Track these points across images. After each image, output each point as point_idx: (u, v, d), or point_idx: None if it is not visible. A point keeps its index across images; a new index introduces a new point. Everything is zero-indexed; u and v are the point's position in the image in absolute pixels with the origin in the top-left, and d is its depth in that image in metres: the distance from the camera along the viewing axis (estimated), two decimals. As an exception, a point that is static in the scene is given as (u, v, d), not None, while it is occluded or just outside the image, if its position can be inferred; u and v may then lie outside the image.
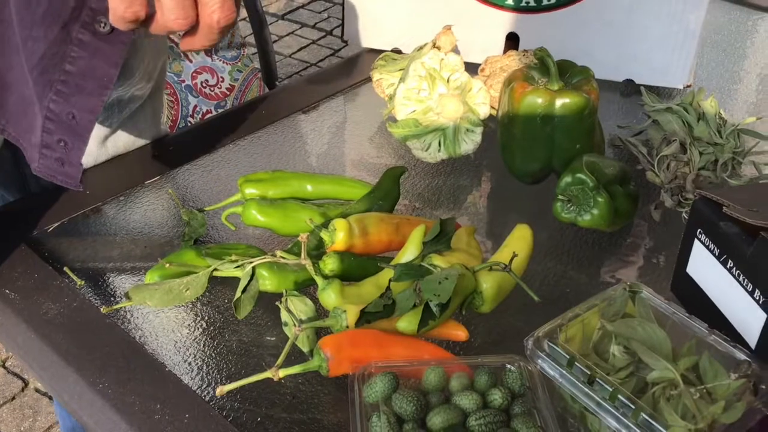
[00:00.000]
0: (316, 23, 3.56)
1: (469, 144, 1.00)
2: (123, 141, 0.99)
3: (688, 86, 1.18)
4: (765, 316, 0.67)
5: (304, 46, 3.39)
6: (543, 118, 0.90)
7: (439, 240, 0.80)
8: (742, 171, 0.93)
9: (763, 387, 0.63)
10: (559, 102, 0.90)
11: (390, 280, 0.74)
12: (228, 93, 1.78)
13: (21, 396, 1.92)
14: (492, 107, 1.03)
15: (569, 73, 0.94)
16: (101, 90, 0.68)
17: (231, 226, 0.89)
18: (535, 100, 0.90)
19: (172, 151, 1.03)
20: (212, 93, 1.74)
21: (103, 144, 0.97)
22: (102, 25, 0.64)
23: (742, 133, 0.96)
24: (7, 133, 0.76)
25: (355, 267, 0.79)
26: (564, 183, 0.86)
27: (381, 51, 1.17)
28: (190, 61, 1.71)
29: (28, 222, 0.89)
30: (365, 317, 0.71)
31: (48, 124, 0.70)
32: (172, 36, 0.74)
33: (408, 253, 0.78)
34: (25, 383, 1.95)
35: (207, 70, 1.73)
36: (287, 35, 3.47)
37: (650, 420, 0.60)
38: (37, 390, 1.94)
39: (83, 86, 0.67)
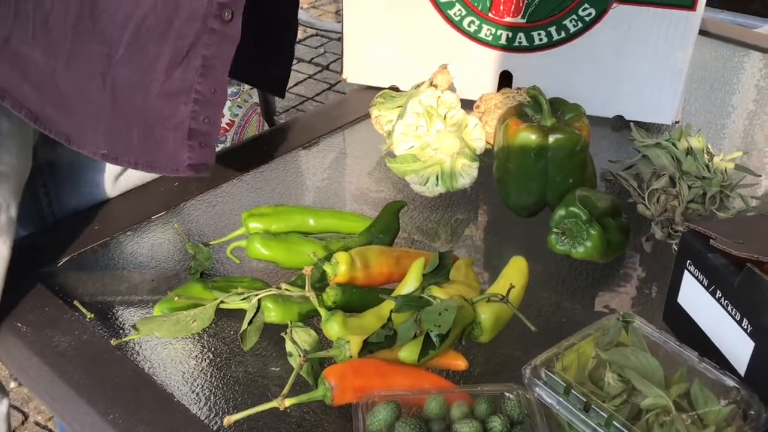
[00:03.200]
0: (312, 58, 3.61)
1: (465, 178, 1.03)
2: (135, 177, 1.03)
3: (677, 122, 1.21)
4: (753, 344, 0.70)
5: (301, 81, 3.44)
6: (536, 153, 0.94)
7: (438, 272, 0.83)
8: (731, 204, 0.97)
9: (752, 413, 0.66)
10: (552, 138, 0.93)
11: (391, 312, 0.77)
12: (228, 128, 1.82)
13: (21, 429, 1.93)
14: (487, 143, 1.06)
15: (561, 111, 0.97)
16: (226, 66, 0.81)
17: (236, 260, 0.92)
18: (528, 137, 0.94)
19: (178, 186, 1.05)
20: (213, 128, 1.77)
21: (117, 180, 1.00)
22: (227, 14, 0.77)
23: (728, 167, 1.00)
24: (140, 165, 0.84)
25: (357, 298, 0.82)
26: (558, 216, 0.89)
27: (379, 88, 1.21)
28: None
29: (38, 257, 0.91)
30: (368, 347, 0.74)
31: (195, 107, 0.80)
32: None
33: (408, 285, 0.81)
34: (26, 417, 1.96)
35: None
36: (284, 70, 3.51)
37: (644, 445, 0.62)
38: (37, 423, 1.94)
39: (215, 65, 0.80)
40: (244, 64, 0.87)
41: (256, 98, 2.05)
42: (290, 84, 3.41)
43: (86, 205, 1.00)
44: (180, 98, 0.80)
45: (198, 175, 0.84)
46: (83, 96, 0.80)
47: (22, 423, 1.94)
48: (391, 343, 0.74)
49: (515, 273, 0.84)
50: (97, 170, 0.99)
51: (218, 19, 0.77)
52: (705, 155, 1.00)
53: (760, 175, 1.07)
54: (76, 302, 0.85)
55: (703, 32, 1.48)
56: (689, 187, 0.95)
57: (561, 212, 0.89)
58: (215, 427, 0.72)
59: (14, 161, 0.84)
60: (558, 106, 0.98)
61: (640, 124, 1.11)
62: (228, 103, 1.81)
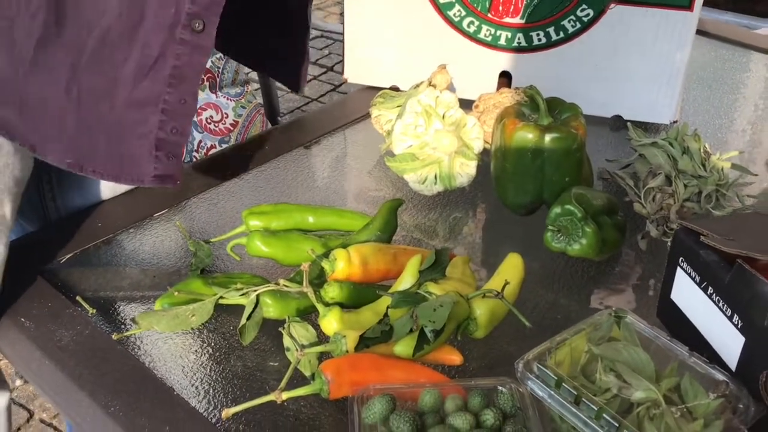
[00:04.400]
0: (317, 59, 3.63)
1: (463, 177, 1.04)
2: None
3: (675, 122, 1.22)
4: (743, 339, 0.71)
5: (306, 82, 3.46)
6: (533, 152, 0.95)
7: (435, 269, 0.84)
8: (727, 202, 0.97)
9: (741, 406, 0.67)
10: (548, 137, 0.94)
11: (388, 307, 0.78)
12: (232, 128, 1.83)
13: (26, 427, 1.94)
14: (486, 142, 1.07)
15: (558, 110, 0.98)
16: (197, 76, 0.80)
17: (236, 257, 0.93)
18: (525, 136, 0.95)
19: (179, 184, 1.06)
20: (216, 128, 1.79)
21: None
22: (197, 24, 0.77)
23: (725, 166, 1.00)
24: (105, 176, 0.83)
25: (355, 295, 0.83)
26: (554, 214, 0.91)
27: (380, 88, 1.22)
28: (196, 98, 1.76)
29: (42, 254, 0.93)
30: (364, 342, 0.75)
31: (163, 117, 0.80)
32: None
33: (405, 282, 0.82)
34: (31, 414, 1.98)
35: (212, 106, 1.78)
36: (289, 71, 3.53)
37: (634, 438, 0.63)
38: (42, 421, 1.96)
39: (186, 75, 0.79)
40: (264, 55, 0.83)
41: (260, 99, 2.07)
42: (295, 85, 3.43)
43: (91, 202, 1.02)
44: (147, 108, 0.79)
45: (164, 186, 0.83)
46: (47, 104, 0.80)
47: (27, 420, 1.96)
48: (387, 338, 0.76)
49: (511, 270, 0.86)
50: None
51: (188, 29, 0.77)
52: (702, 154, 1.01)
53: (757, 174, 1.08)
54: (78, 298, 0.86)
55: (702, 33, 1.50)
56: (685, 186, 0.96)
57: (557, 210, 0.91)
58: (214, 420, 0.74)
59: (9, 160, 0.84)
60: (555, 105, 0.99)
61: (638, 124, 1.12)
62: (232, 104, 1.83)
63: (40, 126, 0.81)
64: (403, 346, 0.74)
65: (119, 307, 0.87)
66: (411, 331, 0.74)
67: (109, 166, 0.82)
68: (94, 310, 0.85)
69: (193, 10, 0.76)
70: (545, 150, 0.94)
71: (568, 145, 0.94)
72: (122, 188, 1.04)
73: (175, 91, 0.79)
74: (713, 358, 0.73)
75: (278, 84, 2.99)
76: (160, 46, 0.77)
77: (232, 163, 1.13)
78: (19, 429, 1.93)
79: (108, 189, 1.02)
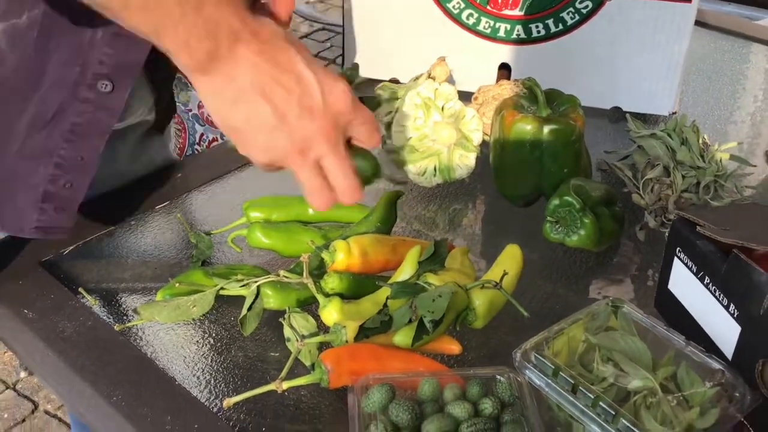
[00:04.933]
0: (319, 52, 3.63)
1: (462, 169, 1.05)
2: (137, 170, 1.04)
3: (674, 113, 1.23)
4: (739, 328, 0.72)
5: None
6: (532, 144, 0.95)
7: (434, 260, 0.85)
8: (725, 193, 0.98)
9: (737, 395, 0.67)
10: (547, 128, 0.94)
11: (387, 298, 0.79)
12: (233, 121, 1.83)
13: (31, 418, 1.96)
14: (485, 134, 1.08)
15: (557, 102, 0.99)
16: (103, 134, 0.79)
17: (237, 249, 0.94)
18: (524, 127, 0.95)
19: (181, 177, 1.07)
20: (218, 122, 1.79)
21: (118, 171, 1.02)
22: (104, 86, 0.75)
23: (723, 157, 1.01)
24: None
25: (354, 285, 0.84)
26: (552, 205, 0.91)
27: (379, 80, 1.22)
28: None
29: (44, 246, 0.93)
30: (364, 332, 0.76)
31: (56, 171, 0.79)
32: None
33: (404, 273, 0.83)
34: (35, 405, 1.99)
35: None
36: (290, 64, 3.53)
37: (630, 426, 0.64)
38: (47, 412, 1.97)
39: (88, 133, 0.78)
40: None
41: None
42: (296, 78, 3.43)
43: (87, 198, 1.02)
44: (40, 160, 0.78)
45: (47, 237, 0.82)
46: None
47: (32, 412, 1.97)
48: (386, 328, 0.76)
49: (509, 260, 0.86)
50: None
51: (93, 89, 0.76)
52: (700, 145, 1.02)
53: (755, 165, 1.08)
54: (81, 289, 0.87)
55: (702, 24, 1.50)
56: (683, 177, 0.97)
57: (555, 201, 0.91)
58: (215, 409, 0.74)
59: None
60: (553, 97, 0.99)
61: (636, 116, 1.13)
62: (233, 97, 1.83)
63: None
64: (402, 336, 0.75)
65: (121, 299, 0.88)
66: (410, 321, 0.75)
67: None
68: (97, 302, 0.86)
69: (102, 71, 0.75)
70: (544, 141, 0.95)
71: (567, 136, 0.95)
72: (119, 183, 1.03)
73: (72, 147, 0.78)
74: (709, 347, 0.74)
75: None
76: (60, 103, 0.76)
77: (233, 155, 1.13)
78: (24, 420, 1.95)
79: (104, 185, 1.02)
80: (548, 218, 0.92)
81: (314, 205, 0.70)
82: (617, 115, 1.23)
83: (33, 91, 0.76)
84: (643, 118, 1.14)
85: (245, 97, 0.64)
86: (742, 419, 0.67)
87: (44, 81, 0.75)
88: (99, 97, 0.76)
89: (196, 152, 1.77)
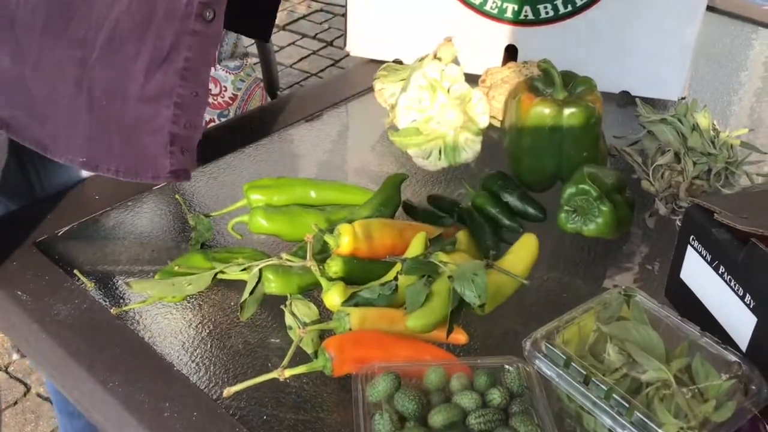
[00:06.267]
0: (317, 34, 3.59)
1: (468, 153, 1.02)
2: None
3: (683, 98, 1.20)
4: (755, 319, 0.70)
5: (305, 56, 3.42)
6: (551, 128, 0.92)
7: (443, 243, 0.82)
8: (736, 181, 0.96)
9: (753, 387, 0.66)
10: (567, 112, 0.92)
11: (398, 274, 0.76)
12: (231, 102, 1.81)
13: (23, 401, 1.94)
14: (492, 117, 1.05)
15: (572, 84, 0.96)
16: (208, 67, 0.78)
17: (237, 236, 0.91)
18: (543, 111, 0.92)
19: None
20: (215, 102, 1.76)
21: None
22: (208, 14, 0.74)
23: (734, 144, 0.99)
24: (120, 173, 0.80)
25: (359, 270, 0.81)
26: (568, 194, 0.88)
27: (382, 62, 1.20)
28: (194, 71, 1.73)
29: (39, 226, 0.91)
30: (356, 300, 0.74)
31: (177, 111, 0.76)
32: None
33: (412, 255, 0.81)
34: (27, 388, 1.97)
35: (211, 79, 1.75)
36: (288, 45, 3.50)
37: (644, 419, 0.62)
38: (39, 395, 1.95)
39: (197, 68, 0.76)
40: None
41: (259, 73, 2.04)
42: (294, 59, 3.39)
43: (77, 179, 1.00)
44: (161, 102, 0.76)
45: (178, 181, 0.81)
46: (56, 102, 0.77)
47: (24, 395, 1.95)
48: (382, 303, 0.74)
49: (523, 250, 0.84)
50: None
51: (200, 20, 0.74)
52: (711, 131, 0.99)
53: (767, 153, 1.06)
54: (76, 271, 0.85)
55: (711, 8, 1.47)
56: (694, 164, 0.95)
57: (571, 190, 0.88)
58: (215, 397, 0.72)
59: None
60: (568, 79, 0.97)
61: (645, 100, 1.10)
62: (231, 77, 1.80)
63: (49, 125, 0.79)
64: (417, 320, 0.72)
65: (118, 282, 0.85)
66: (426, 301, 0.72)
67: (124, 163, 0.79)
68: (92, 284, 0.84)
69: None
70: (563, 125, 0.92)
71: (587, 119, 0.92)
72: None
73: (187, 84, 0.76)
74: (723, 338, 0.72)
75: (278, 58, 2.96)
76: (173, 37, 0.74)
77: (232, 136, 1.11)
78: (15, 403, 1.93)
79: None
80: (565, 207, 0.88)
81: None
82: (626, 99, 1.21)
83: (146, 30, 0.74)
84: (652, 103, 1.11)
85: None
86: (757, 413, 0.65)
87: (155, 18, 0.73)
88: (205, 27, 0.75)
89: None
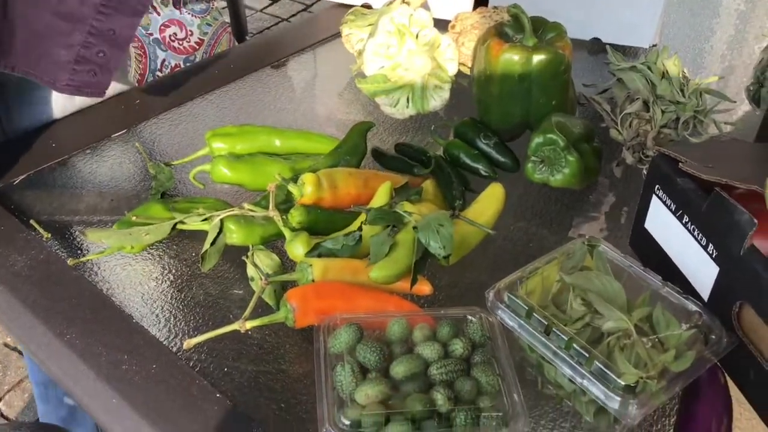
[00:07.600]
0: (288, -22, 3.50)
1: (437, 100, 1.01)
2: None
3: (654, 45, 1.19)
4: (717, 269, 0.70)
5: (276, 1, 3.34)
6: (520, 75, 0.91)
7: (408, 192, 0.81)
8: (704, 129, 0.95)
9: (713, 337, 0.66)
10: (536, 58, 0.90)
11: (362, 224, 0.75)
12: (197, 47, 1.75)
13: (-10, 351, 1.92)
14: (462, 64, 1.03)
15: (542, 30, 0.94)
16: (135, 13, 0.84)
17: (199, 185, 0.89)
18: (512, 57, 0.90)
19: (139, 104, 1.02)
20: (181, 47, 1.71)
21: (71, 96, 0.96)
22: None
23: (704, 92, 0.98)
24: (17, 69, 0.86)
25: (323, 220, 0.80)
26: (535, 144, 0.87)
27: (351, 6, 1.17)
28: (159, 15, 1.68)
29: (-7, 175, 0.88)
30: (319, 249, 0.73)
31: (90, 39, 0.84)
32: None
33: (377, 204, 0.79)
34: (-5, 338, 1.95)
35: (175, 23, 1.70)
36: (259, -11, 3.42)
37: (603, 368, 0.62)
38: (6, 345, 1.94)
39: (119, 8, 0.82)
40: None
41: (226, 17, 1.98)
42: (264, 3, 3.31)
43: (39, 123, 0.97)
44: (75, 25, 0.82)
45: (80, 95, 0.86)
46: None
47: (-8, 344, 1.94)
48: (347, 253, 0.73)
49: (490, 199, 0.83)
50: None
51: None
52: (681, 79, 0.98)
53: (735, 101, 1.06)
54: (32, 221, 0.82)
55: (685, -46, 1.44)
56: (662, 112, 0.94)
57: (538, 140, 0.87)
58: (175, 349, 0.71)
59: None
60: (538, 25, 0.95)
61: (617, 47, 1.08)
62: (197, 21, 1.75)
63: None
64: (379, 270, 0.71)
65: (75, 232, 0.83)
66: (389, 252, 0.71)
67: (24, 62, 0.85)
68: (49, 235, 0.82)
69: None
70: (532, 72, 0.90)
71: (556, 66, 0.91)
72: (73, 107, 0.98)
73: (105, 18, 0.82)
74: (685, 288, 0.72)
75: (247, 2, 2.88)
76: None
77: (195, 81, 1.08)
78: (-17, 353, 1.91)
79: (59, 108, 0.97)
80: (532, 158, 0.87)
81: None
82: (597, 46, 1.19)
83: None
84: (623, 51, 1.10)
85: None
86: (717, 362, 0.66)
87: None
88: None
89: (157, 78, 1.69)
